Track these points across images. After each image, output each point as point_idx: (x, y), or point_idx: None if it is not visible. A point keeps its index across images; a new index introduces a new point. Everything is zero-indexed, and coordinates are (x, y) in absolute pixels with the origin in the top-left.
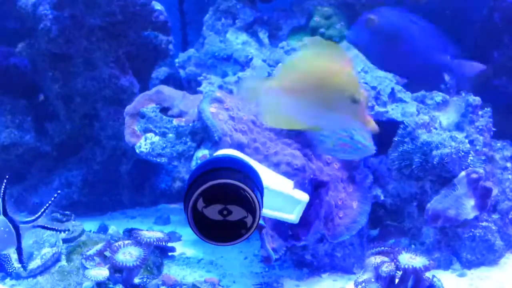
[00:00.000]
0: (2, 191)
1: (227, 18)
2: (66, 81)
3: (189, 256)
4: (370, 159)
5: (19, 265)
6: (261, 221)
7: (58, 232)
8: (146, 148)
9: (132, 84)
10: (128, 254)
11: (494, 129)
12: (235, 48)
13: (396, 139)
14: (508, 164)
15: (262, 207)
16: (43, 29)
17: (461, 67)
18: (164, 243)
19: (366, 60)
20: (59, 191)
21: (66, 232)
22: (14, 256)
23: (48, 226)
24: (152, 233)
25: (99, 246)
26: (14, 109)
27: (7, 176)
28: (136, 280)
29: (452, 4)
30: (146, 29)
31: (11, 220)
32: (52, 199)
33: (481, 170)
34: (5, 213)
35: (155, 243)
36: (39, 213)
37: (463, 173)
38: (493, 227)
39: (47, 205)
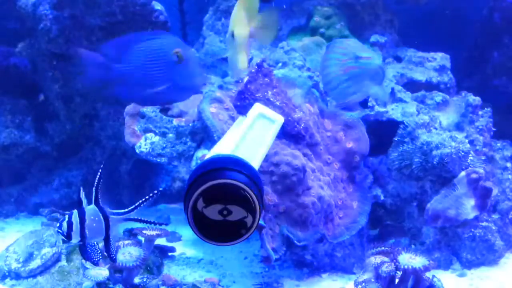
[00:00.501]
0: (96, 180)
1: (227, 18)
2: (66, 81)
3: (189, 256)
4: (370, 159)
5: (19, 265)
6: (261, 221)
7: (154, 225)
8: (146, 148)
9: None
10: (128, 254)
11: (494, 129)
12: None
13: (396, 139)
14: (508, 164)
15: (263, 207)
16: (43, 29)
17: None
18: (164, 239)
19: None
20: (156, 191)
21: (162, 225)
22: (13, 256)
23: (141, 218)
24: (152, 231)
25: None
26: (14, 109)
27: (102, 166)
28: (136, 280)
29: (452, 4)
30: (146, 29)
31: (101, 210)
32: (148, 197)
33: (481, 170)
34: (96, 203)
35: (156, 238)
36: (133, 206)
37: (463, 173)
38: (493, 227)
39: (142, 200)
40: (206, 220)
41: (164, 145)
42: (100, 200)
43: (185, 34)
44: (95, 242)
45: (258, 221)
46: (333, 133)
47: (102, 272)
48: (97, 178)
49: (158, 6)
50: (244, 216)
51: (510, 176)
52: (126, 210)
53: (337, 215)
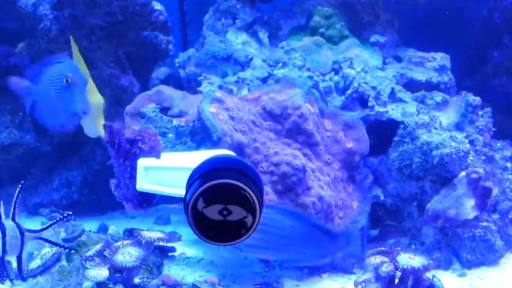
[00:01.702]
0: (15, 197)
1: (227, 18)
2: None
3: (189, 256)
4: (370, 159)
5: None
6: None
7: (62, 248)
8: None
9: (132, 84)
10: (128, 255)
11: (494, 129)
12: (235, 48)
13: (396, 139)
14: (508, 164)
15: (263, 207)
16: (43, 29)
17: None
18: (164, 242)
19: (366, 60)
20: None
21: (67, 250)
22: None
23: (51, 240)
24: (153, 233)
25: (98, 246)
26: (14, 109)
27: (22, 182)
28: (136, 280)
29: (452, 4)
30: (146, 29)
31: (18, 226)
32: (59, 218)
33: (481, 170)
34: (13, 219)
35: (156, 243)
36: (47, 225)
37: (463, 173)
38: (493, 227)
39: (55, 221)
40: (206, 220)
41: (164, 145)
42: (16, 216)
43: (185, 34)
44: (10, 261)
45: (258, 221)
46: (333, 133)
47: (102, 272)
48: (16, 194)
49: (158, 6)
50: (244, 216)
51: (510, 176)
52: (40, 228)
53: (337, 215)
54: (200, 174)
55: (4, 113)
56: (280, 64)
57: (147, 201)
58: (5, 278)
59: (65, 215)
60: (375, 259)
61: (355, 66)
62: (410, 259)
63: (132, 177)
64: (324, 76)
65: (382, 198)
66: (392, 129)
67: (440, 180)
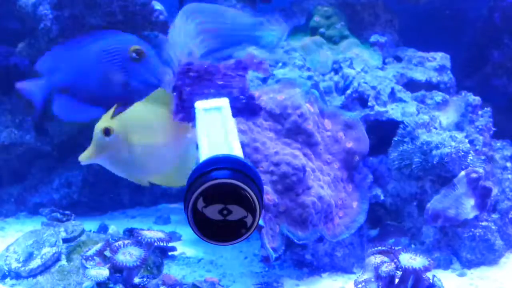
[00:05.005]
0: None
1: None
2: None
3: (189, 256)
4: (370, 159)
5: (19, 265)
6: (260, 222)
7: None
8: None
9: None
10: (128, 254)
11: (494, 129)
12: None
13: (396, 139)
14: (508, 164)
15: (263, 206)
16: (43, 29)
17: None
18: (165, 243)
19: (366, 60)
20: None
21: None
22: (13, 255)
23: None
24: (153, 233)
25: (98, 246)
26: (14, 109)
27: None
28: (136, 280)
29: (452, 4)
30: (146, 29)
31: None
32: None
33: (481, 170)
34: None
35: (156, 243)
36: None
37: (463, 173)
38: (493, 227)
39: None
40: (206, 220)
41: None
42: None
43: None
44: None
45: (258, 221)
46: (333, 133)
47: (102, 272)
48: None
49: (158, 6)
50: (244, 216)
51: (510, 176)
52: None
53: (337, 215)
54: (200, 174)
55: (4, 113)
56: (280, 64)
57: (189, 118)
58: None
59: None
60: (375, 259)
61: (355, 66)
62: (411, 259)
63: (199, 94)
64: (324, 76)
65: (382, 198)
66: (392, 129)
67: (440, 180)
